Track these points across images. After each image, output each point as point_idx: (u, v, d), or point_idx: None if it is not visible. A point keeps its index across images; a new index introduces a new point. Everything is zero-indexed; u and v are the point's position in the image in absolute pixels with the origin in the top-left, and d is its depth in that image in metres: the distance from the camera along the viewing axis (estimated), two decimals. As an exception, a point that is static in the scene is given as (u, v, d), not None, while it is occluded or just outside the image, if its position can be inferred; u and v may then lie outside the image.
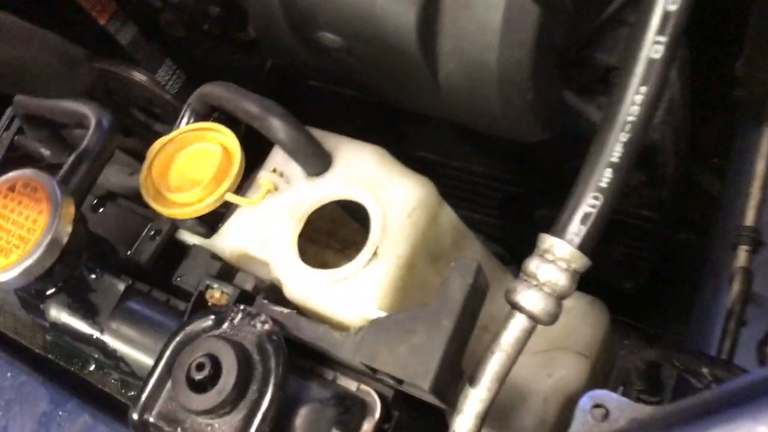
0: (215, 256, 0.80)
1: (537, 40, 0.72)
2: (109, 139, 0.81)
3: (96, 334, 0.77)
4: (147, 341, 0.77)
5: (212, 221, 0.83)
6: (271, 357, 0.70)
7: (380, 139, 0.84)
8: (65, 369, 0.83)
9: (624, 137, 0.75)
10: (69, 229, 0.73)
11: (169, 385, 0.71)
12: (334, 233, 0.93)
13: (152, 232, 0.83)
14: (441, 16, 0.74)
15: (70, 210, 0.74)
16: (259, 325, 0.72)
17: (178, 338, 0.73)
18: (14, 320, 0.89)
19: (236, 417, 0.68)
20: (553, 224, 0.79)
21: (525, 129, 0.82)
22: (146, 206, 0.84)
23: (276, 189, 0.81)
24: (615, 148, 0.75)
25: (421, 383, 0.66)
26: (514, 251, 1.27)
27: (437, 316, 0.68)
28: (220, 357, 0.69)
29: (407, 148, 1.40)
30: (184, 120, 0.91)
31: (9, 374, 0.84)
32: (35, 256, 0.71)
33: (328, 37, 0.81)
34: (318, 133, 0.85)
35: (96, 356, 0.81)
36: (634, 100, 0.74)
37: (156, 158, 0.85)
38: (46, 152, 0.98)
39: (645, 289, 1.34)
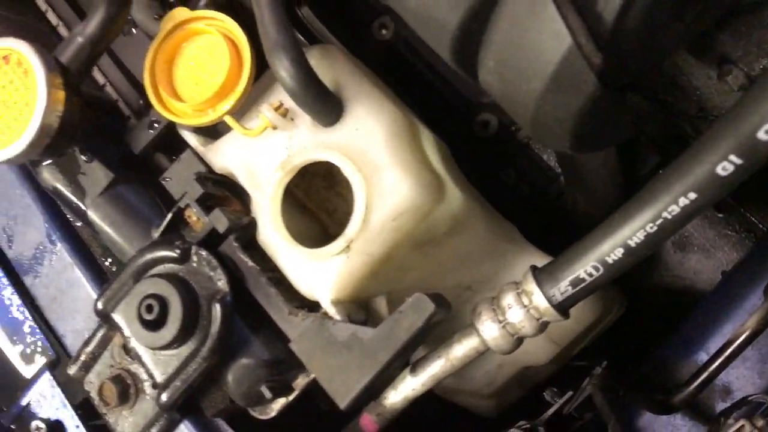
0: (200, 177, 0.77)
1: (586, 109, 0.58)
2: (116, 17, 0.73)
3: (82, 209, 0.80)
4: (126, 230, 0.79)
5: (211, 129, 0.79)
6: (218, 317, 0.72)
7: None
8: (62, 211, 0.88)
9: (650, 228, 0.64)
10: (56, 125, 0.71)
11: (129, 295, 0.75)
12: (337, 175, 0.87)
13: (153, 119, 0.79)
14: (490, 30, 0.59)
15: (60, 106, 0.71)
16: (215, 281, 0.73)
17: (143, 258, 0.75)
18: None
19: (174, 358, 0.73)
20: (546, 268, 0.72)
21: (557, 149, 0.71)
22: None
23: (275, 128, 0.75)
24: (637, 234, 0.65)
25: (338, 401, 0.69)
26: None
27: (377, 347, 0.68)
28: (170, 303, 0.72)
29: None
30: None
31: (18, 192, 0.90)
32: (17, 150, 0.71)
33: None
34: (342, 70, 0.75)
35: (83, 219, 0.85)
36: (678, 201, 0.62)
37: (168, 38, 0.77)
38: None
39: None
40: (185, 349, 0.73)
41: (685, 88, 0.89)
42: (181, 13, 0.78)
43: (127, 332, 0.75)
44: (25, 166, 0.90)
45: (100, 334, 0.81)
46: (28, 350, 0.90)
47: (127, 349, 0.80)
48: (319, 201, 0.89)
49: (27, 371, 0.89)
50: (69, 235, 0.87)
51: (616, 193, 1.03)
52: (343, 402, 0.69)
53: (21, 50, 0.71)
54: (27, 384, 0.87)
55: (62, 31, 0.97)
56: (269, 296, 0.74)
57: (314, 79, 0.70)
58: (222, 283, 0.73)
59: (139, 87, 0.89)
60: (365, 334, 0.69)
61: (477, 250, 0.85)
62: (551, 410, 0.89)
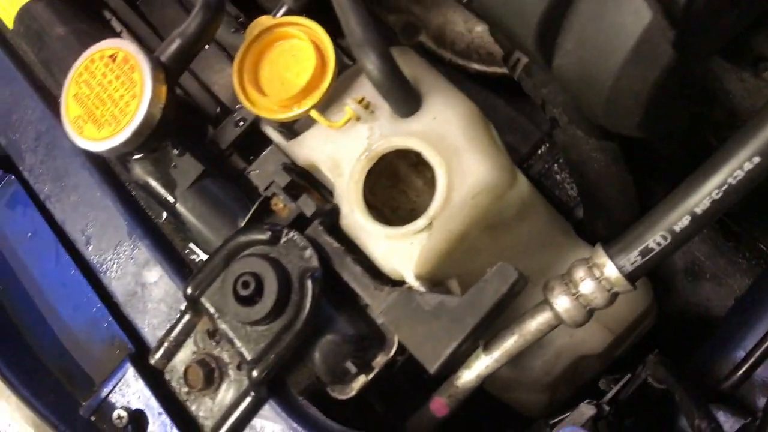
0: (287, 167, 0.83)
1: (661, 80, 0.65)
2: (213, 21, 0.80)
3: (171, 202, 0.85)
4: (213, 223, 0.85)
5: (291, 128, 0.85)
6: (309, 292, 0.77)
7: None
8: (142, 209, 0.93)
9: (716, 195, 0.71)
10: (158, 116, 0.77)
11: (219, 279, 0.80)
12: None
13: (238, 118, 0.86)
14: (571, 15, 0.66)
15: (162, 98, 0.77)
16: (306, 258, 0.78)
17: (235, 241, 0.80)
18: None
19: (267, 332, 0.78)
20: (615, 241, 0.78)
21: (624, 131, 0.77)
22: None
23: (358, 119, 0.81)
24: (703, 201, 0.71)
25: (428, 367, 0.73)
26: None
27: (463, 313, 0.73)
28: (264, 279, 0.76)
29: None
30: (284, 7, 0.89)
31: (98, 193, 0.95)
32: (122, 139, 0.77)
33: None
34: (417, 67, 0.82)
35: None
36: (743, 166, 0.68)
37: (254, 43, 0.84)
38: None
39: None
40: (277, 324, 0.77)
41: (717, 93, 0.97)
42: (265, 20, 0.85)
43: (217, 313, 0.79)
44: (107, 172, 0.96)
45: (183, 321, 0.85)
46: (107, 345, 0.93)
47: (211, 333, 0.84)
48: (383, 199, 0.94)
49: (106, 365, 0.92)
50: (150, 231, 0.91)
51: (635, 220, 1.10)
52: (432, 366, 0.73)
53: (127, 49, 0.78)
54: (106, 377, 0.91)
55: (125, 36, 1.03)
56: (355, 274, 0.79)
57: (398, 71, 0.77)
58: (313, 261, 0.77)
59: (214, 97, 0.95)
60: (451, 303, 0.74)
61: (538, 239, 0.90)
62: (609, 395, 0.93)
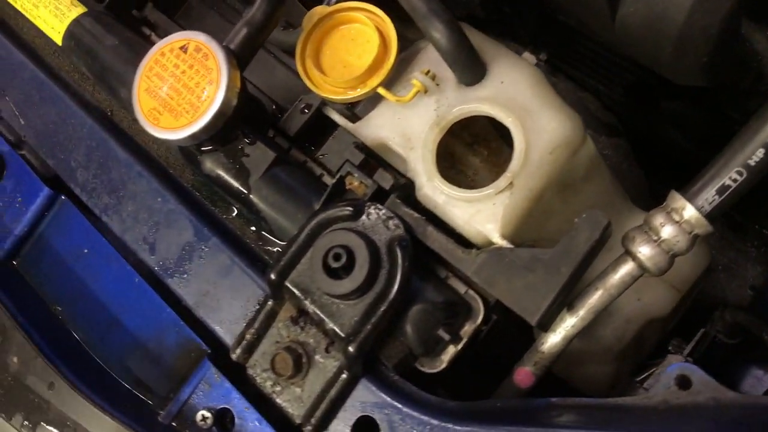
0: (358, 145, 0.84)
1: (732, 11, 0.68)
2: (277, 8, 0.82)
3: (244, 192, 0.85)
4: (288, 208, 0.85)
5: (353, 112, 0.87)
6: (399, 260, 0.77)
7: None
8: (208, 208, 0.93)
9: (790, 123, 0.73)
10: (235, 102, 0.78)
11: (305, 258, 0.80)
12: (482, 138, 0.95)
13: (303, 105, 0.87)
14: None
15: (238, 84, 0.78)
16: (392, 228, 0.79)
17: (318, 218, 0.80)
18: (166, 150, 0.97)
19: (360, 305, 0.77)
20: (690, 184, 0.80)
21: (690, 79, 0.80)
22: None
23: (426, 91, 0.83)
24: (776, 131, 0.74)
25: (530, 319, 0.74)
26: (626, 124, 1.27)
27: (558, 263, 0.74)
28: (355, 251, 0.77)
29: (549, 11, 1.35)
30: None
31: (159, 199, 0.94)
32: (201, 125, 0.78)
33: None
34: (476, 38, 0.85)
35: (237, 205, 0.90)
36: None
37: (314, 30, 0.86)
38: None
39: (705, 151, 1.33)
40: (370, 295, 0.77)
41: (745, 57, 1.01)
42: (320, 9, 0.88)
43: (303, 294, 0.79)
44: (166, 177, 0.96)
45: (265, 311, 0.84)
46: (180, 350, 0.92)
47: (295, 319, 0.84)
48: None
49: (181, 369, 0.90)
50: (218, 229, 0.91)
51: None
52: (534, 318, 0.74)
53: (198, 39, 0.79)
54: (183, 382, 0.89)
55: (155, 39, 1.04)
56: (440, 241, 0.79)
57: (465, 38, 0.79)
58: (399, 230, 0.78)
59: (267, 97, 0.96)
60: (544, 254, 0.75)
61: (601, 202, 0.92)
62: (687, 349, 0.93)
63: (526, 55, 0.94)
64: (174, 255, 0.93)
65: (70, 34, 0.96)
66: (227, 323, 0.89)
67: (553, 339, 0.84)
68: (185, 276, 0.92)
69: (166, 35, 1.03)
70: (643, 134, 1.35)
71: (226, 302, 0.89)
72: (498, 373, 0.93)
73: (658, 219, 0.79)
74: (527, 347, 0.89)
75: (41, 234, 1.02)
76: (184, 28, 1.06)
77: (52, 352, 0.92)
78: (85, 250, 0.99)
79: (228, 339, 0.88)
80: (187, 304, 0.91)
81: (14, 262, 1.03)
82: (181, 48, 0.79)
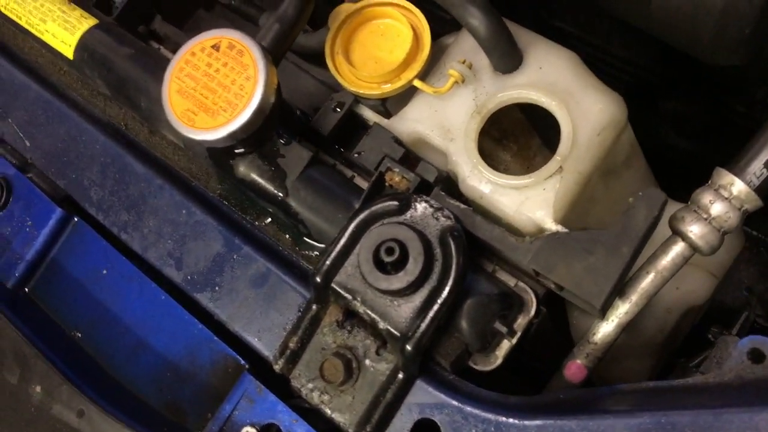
0: (397, 140, 0.82)
1: None
2: (308, 3, 0.80)
3: (281, 195, 0.82)
4: (327, 209, 0.82)
5: (385, 108, 0.85)
6: (453, 251, 0.75)
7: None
8: (238, 218, 0.89)
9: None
10: (273, 99, 0.76)
11: (352, 257, 0.77)
12: (510, 133, 0.94)
13: (334, 104, 0.85)
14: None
15: (275, 79, 0.76)
16: (442, 219, 0.76)
17: (363, 215, 0.77)
18: (188, 161, 0.94)
19: (415, 300, 0.74)
20: (733, 161, 0.80)
21: (728, 58, 0.80)
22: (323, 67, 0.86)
23: (463, 81, 0.82)
24: (823, 101, 0.74)
25: (594, 302, 0.71)
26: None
27: (618, 242, 0.72)
28: (408, 244, 0.74)
29: (545, 16, 1.36)
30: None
31: (184, 212, 0.91)
32: (241, 122, 0.75)
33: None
34: (510, 27, 0.84)
35: (271, 210, 0.87)
36: None
37: (342, 27, 0.85)
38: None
39: (703, 151, 1.34)
40: (425, 290, 0.74)
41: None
42: (346, 7, 0.86)
43: (351, 295, 0.76)
44: (189, 188, 0.92)
45: (309, 317, 0.80)
46: (216, 367, 0.87)
47: (341, 323, 0.80)
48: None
49: (218, 387, 0.86)
50: (251, 237, 0.87)
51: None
52: (599, 301, 0.71)
53: (231, 36, 0.77)
54: (222, 399, 0.84)
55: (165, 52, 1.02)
56: (491, 230, 0.77)
57: (503, 24, 0.79)
58: (450, 221, 0.75)
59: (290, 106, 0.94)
60: (603, 236, 0.73)
61: (639, 189, 0.91)
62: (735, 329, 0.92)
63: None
64: (203, 268, 0.89)
65: (82, 46, 0.92)
66: (265, 334, 0.85)
67: (606, 328, 0.82)
68: (216, 289, 0.88)
69: (176, 47, 1.01)
70: (640, 134, 1.36)
71: (262, 312, 0.85)
72: (531, 372, 0.91)
73: (707, 197, 0.78)
74: (562, 345, 0.87)
75: (54, 257, 0.97)
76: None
77: (79, 378, 0.87)
78: (104, 271, 0.95)
79: (266, 351, 0.84)
80: (220, 318, 0.87)
81: (26, 289, 0.98)
82: (213, 46, 0.77)
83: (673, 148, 1.39)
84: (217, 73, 0.76)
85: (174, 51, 1.00)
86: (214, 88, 0.76)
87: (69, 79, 1.04)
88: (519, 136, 0.96)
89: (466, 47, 0.83)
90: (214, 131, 0.75)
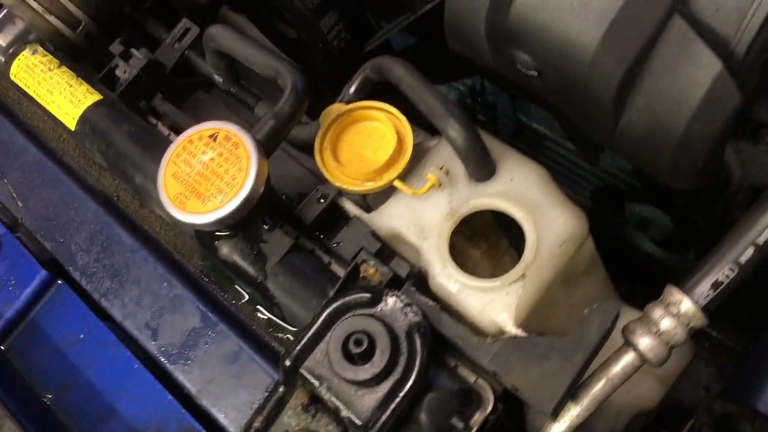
0: (374, 234, 0.88)
1: (729, 121, 0.76)
2: (303, 102, 0.87)
3: (260, 278, 0.86)
4: (302, 295, 0.86)
5: (366, 203, 0.90)
6: (418, 347, 0.79)
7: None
8: (217, 295, 0.94)
9: (777, 225, 0.80)
10: (262, 189, 0.81)
11: (322, 344, 0.81)
12: (481, 232, 0.99)
13: (319, 195, 0.90)
14: (644, 75, 0.78)
15: (265, 171, 0.81)
16: (410, 314, 0.81)
17: (336, 304, 0.82)
18: (174, 236, 0.98)
19: (378, 391, 0.78)
20: (685, 279, 0.86)
21: (684, 184, 0.87)
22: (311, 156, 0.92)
23: (440, 185, 0.88)
24: (764, 232, 0.81)
25: (546, 406, 0.76)
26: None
27: (572, 351, 0.77)
28: (376, 337, 0.78)
29: (524, 118, 1.45)
30: (354, 85, 0.96)
31: (165, 284, 0.95)
32: (230, 210, 0.79)
33: (523, 58, 0.85)
34: (486, 138, 0.91)
35: (249, 291, 0.91)
36: (800, 195, 0.79)
37: (331, 126, 0.91)
38: (218, 79, 1.05)
39: (668, 255, 1.40)
40: (388, 382, 0.78)
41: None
42: (337, 107, 0.93)
43: (318, 381, 0.79)
44: (173, 263, 0.96)
45: (275, 398, 0.84)
46: (181, 439, 0.89)
47: (306, 407, 0.83)
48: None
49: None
50: (227, 314, 0.91)
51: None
52: (549, 406, 0.76)
53: (227, 128, 0.82)
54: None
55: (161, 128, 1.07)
56: (455, 329, 0.82)
57: (479, 137, 0.85)
58: (417, 317, 0.80)
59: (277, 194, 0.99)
60: (558, 343, 0.78)
61: (598, 296, 0.97)
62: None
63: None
64: (178, 341, 0.92)
65: (85, 119, 0.98)
66: (232, 411, 0.88)
67: (558, 428, 0.86)
68: (189, 362, 0.91)
69: (173, 125, 1.07)
70: (607, 237, 1.43)
71: (232, 390, 0.89)
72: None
73: (658, 312, 0.84)
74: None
75: (34, 318, 1.01)
76: (192, 119, 1.09)
77: (44, 441, 0.89)
78: (81, 336, 0.98)
79: (232, 428, 0.87)
80: (190, 391, 0.90)
81: (2, 347, 1.00)
82: (211, 136, 0.82)
83: (639, 251, 1.46)
84: (211, 162, 0.81)
85: (171, 128, 1.07)
86: (207, 175, 0.81)
87: (67, 146, 1.09)
88: (489, 235, 1.01)
89: (444, 154, 0.90)
90: (203, 216, 0.79)
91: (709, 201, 1.21)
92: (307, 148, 0.96)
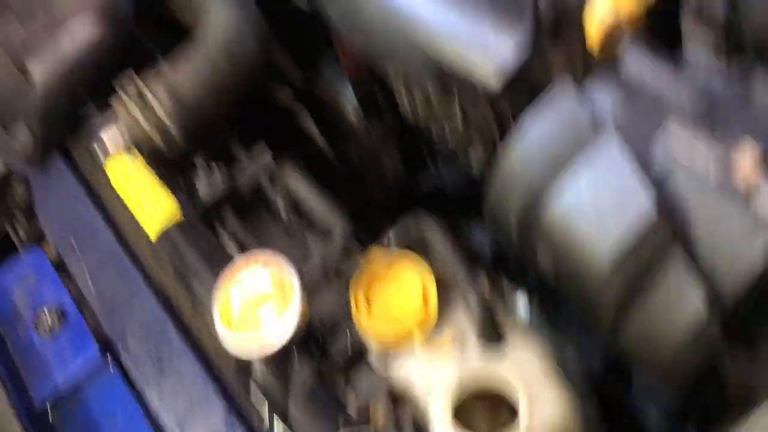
0: (388, 384, 0.99)
1: (714, 354, 0.87)
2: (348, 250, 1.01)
3: (285, 406, 0.98)
4: (318, 426, 0.98)
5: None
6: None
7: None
8: (242, 408, 1.05)
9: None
10: (303, 326, 0.94)
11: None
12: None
13: (350, 341, 1.03)
14: (641, 303, 0.89)
15: (307, 311, 0.95)
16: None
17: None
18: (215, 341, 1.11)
19: None
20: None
21: (671, 390, 0.97)
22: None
23: (453, 350, 1.00)
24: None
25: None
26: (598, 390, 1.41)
27: None
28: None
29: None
30: (394, 234, 1.10)
31: (200, 380, 1.07)
32: (270, 343, 0.93)
33: (543, 252, 0.97)
34: (499, 312, 1.03)
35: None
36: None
37: (365, 275, 1.04)
38: (282, 210, 1.21)
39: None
40: None
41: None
42: (378, 252, 1.06)
43: None
44: (210, 366, 1.09)
45: None
46: None
47: None
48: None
49: None
50: (248, 423, 1.03)
51: None
52: None
53: (278, 261, 0.97)
54: None
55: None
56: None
57: (497, 311, 0.97)
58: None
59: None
60: None
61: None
62: None
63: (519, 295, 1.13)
64: (200, 437, 1.04)
65: (165, 236, 1.14)
66: None
67: None
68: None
69: (238, 242, 1.22)
70: (614, 402, 1.51)
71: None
72: None
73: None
74: None
75: (81, 390, 1.13)
76: (255, 240, 1.25)
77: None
78: (119, 417, 1.10)
79: None
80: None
81: (48, 411, 1.13)
82: (264, 264, 0.97)
83: (645, 418, 1.52)
84: (259, 292, 0.95)
85: (236, 244, 1.22)
86: (254, 303, 0.95)
87: (141, 241, 1.24)
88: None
89: (461, 323, 1.02)
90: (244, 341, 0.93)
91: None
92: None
